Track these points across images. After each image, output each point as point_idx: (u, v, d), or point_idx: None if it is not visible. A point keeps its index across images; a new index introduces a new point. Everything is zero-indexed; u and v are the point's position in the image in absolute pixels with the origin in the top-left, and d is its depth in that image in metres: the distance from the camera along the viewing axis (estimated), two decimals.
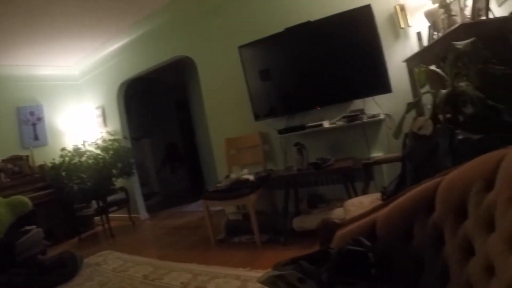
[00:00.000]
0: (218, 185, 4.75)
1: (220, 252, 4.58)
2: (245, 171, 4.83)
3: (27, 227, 4.48)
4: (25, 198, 4.87)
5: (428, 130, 2.56)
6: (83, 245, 5.77)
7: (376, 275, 1.39)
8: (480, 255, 1.25)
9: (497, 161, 1.29)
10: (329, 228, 1.88)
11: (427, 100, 2.75)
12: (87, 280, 4.17)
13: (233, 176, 4.75)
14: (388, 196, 2.89)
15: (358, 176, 4.26)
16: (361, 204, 3.14)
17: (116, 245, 5.45)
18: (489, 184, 1.29)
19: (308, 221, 4.32)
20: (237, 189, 4.49)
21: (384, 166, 4.18)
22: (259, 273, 3.64)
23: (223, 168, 5.42)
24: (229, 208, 5.35)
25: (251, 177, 4.60)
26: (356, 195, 3.96)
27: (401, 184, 2.80)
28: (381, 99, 4.22)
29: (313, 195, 4.73)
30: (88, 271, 4.47)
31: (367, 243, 1.47)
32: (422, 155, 2.50)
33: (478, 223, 1.27)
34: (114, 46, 6.66)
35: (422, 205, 1.54)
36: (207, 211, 4.67)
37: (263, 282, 1.40)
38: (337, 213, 4.18)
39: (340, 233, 1.79)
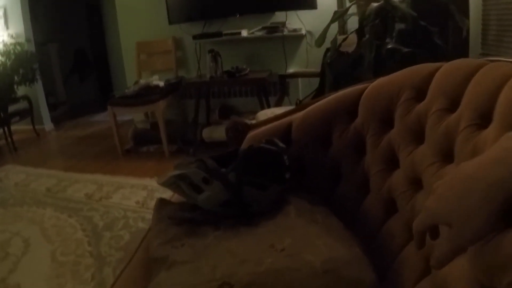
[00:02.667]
0: (126, 91, 4.47)
1: (127, 162, 4.41)
2: (155, 77, 4.56)
3: None
4: None
5: (351, 46, 2.53)
6: None
7: (290, 180, 1.27)
8: (405, 167, 1.19)
9: (430, 72, 1.20)
10: (240, 128, 1.73)
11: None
12: None
13: (142, 82, 4.50)
14: None
15: (272, 90, 4.19)
16: (274, 114, 3.06)
17: (19, 159, 5.03)
18: (420, 94, 1.20)
19: (219, 132, 4.18)
20: (146, 95, 4.26)
21: (300, 81, 4.13)
22: None
23: (132, 74, 5.10)
24: (138, 117, 5.13)
25: (161, 83, 4.39)
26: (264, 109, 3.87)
27: (317, 96, 2.74)
28: (305, 14, 4.07)
29: (225, 106, 4.61)
30: None
31: (281, 144, 1.30)
32: (343, 67, 2.44)
33: (405, 133, 1.20)
34: None
35: (343, 110, 1.43)
36: (113, 118, 4.41)
37: (163, 183, 1.25)
38: None
39: (251, 134, 1.65)
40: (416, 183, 1.12)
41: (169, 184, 1.25)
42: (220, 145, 4.10)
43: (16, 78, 5.50)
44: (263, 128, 1.65)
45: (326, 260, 0.98)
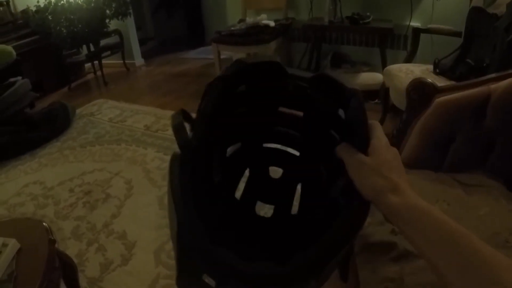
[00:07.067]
0: (232, 28, 4.17)
1: None
2: (264, 16, 4.24)
3: (12, 79, 3.79)
4: (8, 47, 4.12)
5: (501, 7, 2.32)
6: (74, 95, 5.14)
7: None
8: None
9: None
10: (426, 90, 1.56)
11: None
12: (82, 133, 3.74)
13: (250, 20, 4.20)
14: (442, 70, 2.63)
15: (396, 43, 3.88)
16: (411, 72, 2.79)
17: (110, 94, 4.93)
18: None
19: None
20: (256, 34, 3.97)
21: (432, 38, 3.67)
22: None
23: (235, 11, 4.80)
24: (238, 56, 4.82)
25: (272, 23, 4.08)
26: (386, 63, 3.56)
27: (460, 61, 2.52)
28: None
29: (337, 53, 4.24)
30: (81, 122, 4.01)
31: None
32: (487, 33, 2.30)
33: None
34: None
35: None
36: (217, 56, 4.19)
37: None
38: (365, 78, 3.84)
39: (441, 100, 1.47)
40: None
41: None
42: None
43: (108, 12, 5.31)
44: (454, 94, 1.47)
45: None
